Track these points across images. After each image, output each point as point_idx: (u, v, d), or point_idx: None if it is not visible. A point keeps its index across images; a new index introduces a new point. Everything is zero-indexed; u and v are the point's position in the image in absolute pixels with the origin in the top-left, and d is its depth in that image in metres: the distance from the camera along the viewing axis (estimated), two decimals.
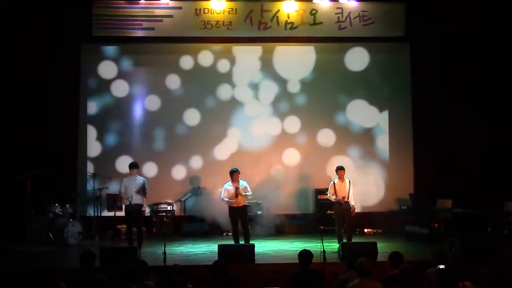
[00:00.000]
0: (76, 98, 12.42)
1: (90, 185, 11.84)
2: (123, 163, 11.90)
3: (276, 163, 12.56)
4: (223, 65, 12.73)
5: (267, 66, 12.77)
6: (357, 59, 12.87)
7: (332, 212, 10.44)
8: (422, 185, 12.44)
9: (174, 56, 12.69)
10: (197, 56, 12.70)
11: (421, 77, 12.67)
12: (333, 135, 12.77)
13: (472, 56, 12.31)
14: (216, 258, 7.84)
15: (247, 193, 9.84)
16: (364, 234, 11.99)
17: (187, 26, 12.27)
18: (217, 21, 12.27)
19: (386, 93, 12.85)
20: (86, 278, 5.48)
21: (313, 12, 12.42)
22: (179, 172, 12.56)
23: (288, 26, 12.41)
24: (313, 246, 8.52)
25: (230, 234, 10.56)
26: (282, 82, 12.77)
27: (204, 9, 12.28)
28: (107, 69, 12.57)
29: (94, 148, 12.47)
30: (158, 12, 12.21)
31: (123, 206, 10.19)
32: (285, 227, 12.23)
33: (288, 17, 12.36)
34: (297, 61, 12.80)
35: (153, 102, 12.62)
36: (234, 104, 12.69)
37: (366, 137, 12.81)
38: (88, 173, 12.04)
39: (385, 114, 12.86)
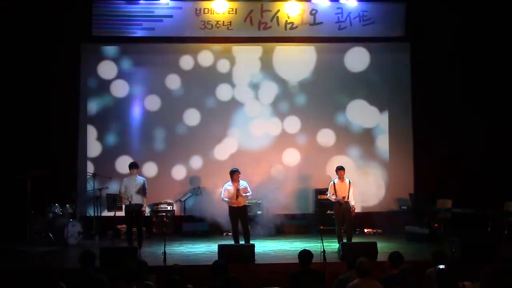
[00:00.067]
0: (76, 98, 12.42)
1: (90, 185, 11.83)
2: (123, 163, 11.90)
3: (276, 163, 12.56)
4: (223, 65, 12.73)
5: (267, 66, 12.76)
6: (357, 59, 12.87)
7: (332, 212, 10.46)
8: (422, 185, 12.44)
9: (174, 56, 12.69)
10: (197, 56, 12.70)
11: (421, 77, 12.67)
12: (333, 135, 12.76)
13: (472, 56, 12.32)
14: (216, 258, 7.83)
15: (247, 194, 9.85)
16: (364, 234, 11.99)
17: (187, 26, 12.29)
18: (217, 21, 12.29)
19: (386, 93, 12.85)
20: (86, 278, 5.49)
21: (313, 12, 12.43)
22: (179, 172, 12.56)
23: (288, 26, 12.43)
24: (313, 246, 8.53)
25: (230, 234, 10.56)
26: (282, 82, 12.77)
27: (204, 9, 12.29)
28: (107, 69, 12.56)
29: (94, 148, 12.47)
30: (158, 12, 12.24)
31: (123, 206, 10.18)
32: (285, 227, 12.22)
33: (288, 17, 12.38)
34: (297, 61, 12.80)
35: (153, 102, 12.62)
36: (234, 104, 12.69)
37: (366, 137, 12.81)
38: (88, 173, 12.04)
39: (385, 114, 12.86)
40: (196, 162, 12.56)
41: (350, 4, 12.41)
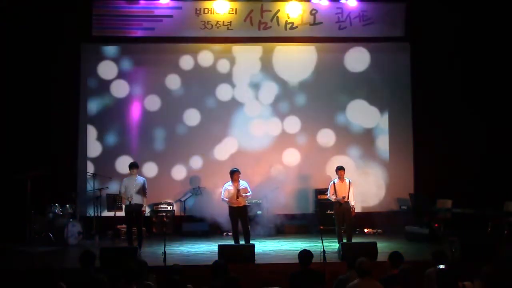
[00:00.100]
0: (76, 98, 12.42)
1: (90, 185, 11.83)
2: (123, 163, 11.90)
3: (276, 163, 12.56)
4: (223, 65, 12.73)
5: (267, 66, 12.76)
6: (357, 59, 12.87)
7: (332, 212, 10.46)
8: (422, 185, 12.44)
9: (174, 56, 12.69)
10: (197, 56, 12.70)
11: (421, 77, 12.67)
12: (333, 135, 12.76)
13: (472, 56, 12.32)
14: (216, 258, 7.84)
15: (247, 194, 9.85)
16: (364, 234, 11.98)
17: (187, 26, 12.28)
18: (217, 21, 12.29)
19: (386, 93, 12.85)
20: (86, 278, 5.49)
21: (313, 12, 12.43)
22: (179, 172, 12.55)
23: (288, 26, 12.43)
24: (313, 246, 8.53)
25: (230, 234, 10.56)
26: (282, 82, 12.77)
27: (204, 9, 12.29)
28: (107, 69, 12.56)
29: (94, 148, 12.47)
30: (158, 12, 12.23)
31: (123, 206, 10.19)
32: (285, 227, 12.22)
33: (288, 17, 12.38)
34: (297, 61, 12.80)
35: (153, 102, 12.62)
36: (234, 104, 12.69)
37: (366, 137, 12.81)
38: (88, 173, 12.04)
39: (385, 114, 12.86)
40: (196, 162, 12.55)
41: (350, 4, 12.41)
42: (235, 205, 9.76)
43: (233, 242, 9.84)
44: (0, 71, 11.72)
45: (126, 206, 9.93)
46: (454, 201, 11.70)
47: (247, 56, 12.79)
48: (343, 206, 9.87)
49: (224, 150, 12.56)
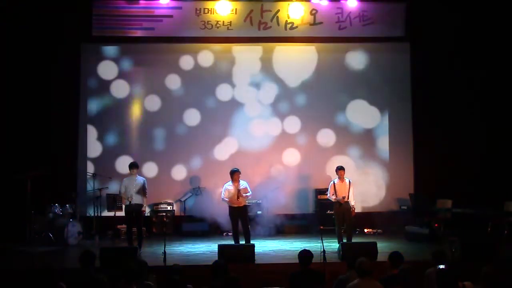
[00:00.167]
0: (76, 98, 12.42)
1: (90, 185, 11.83)
2: (123, 163, 11.90)
3: (276, 163, 12.55)
4: (223, 65, 12.73)
5: (267, 66, 12.76)
6: (357, 59, 12.87)
7: (332, 212, 10.46)
8: (422, 185, 12.44)
9: (174, 56, 12.68)
10: (197, 56, 12.70)
11: (421, 77, 12.67)
12: (333, 135, 12.76)
13: (472, 55, 12.31)
14: (216, 258, 7.84)
15: (247, 194, 9.86)
16: (364, 234, 11.98)
17: (187, 26, 12.28)
18: (217, 21, 12.28)
19: (386, 93, 12.84)
20: (86, 278, 5.49)
21: (313, 12, 12.43)
22: (179, 172, 12.55)
23: (288, 26, 12.42)
24: (313, 246, 8.50)
25: (230, 234, 10.56)
26: (282, 82, 12.77)
27: (204, 9, 12.28)
28: (107, 69, 12.56)
29: (94, 148, 12.46)
30: (158, 12, 12.22)
31: (123, 206, 10.18)
32: (285, 227, 12.21)
33: (288, 17, 12.37)
34: (297, 61, 12.80)
35: (153, 102, 12.61)
36: (234, 104, 12.68)
37: (366, 137, 12.80)
38: (88, 173, 12.03)
39: (385, 114, 12.86)
40: (196, 162, 12.56)
41: (350, 4, 12.41)
42: (235, 205, 9.76)
43: (233, 242, 9.84)
44: (0, 71, 11.71)
45: (126, 206, 9.93)
46: (454, 201, 11.69)
47: (247, 56, 12.78)
48: (343, 206, 9.87)
49: (224, 150, 12.55)
